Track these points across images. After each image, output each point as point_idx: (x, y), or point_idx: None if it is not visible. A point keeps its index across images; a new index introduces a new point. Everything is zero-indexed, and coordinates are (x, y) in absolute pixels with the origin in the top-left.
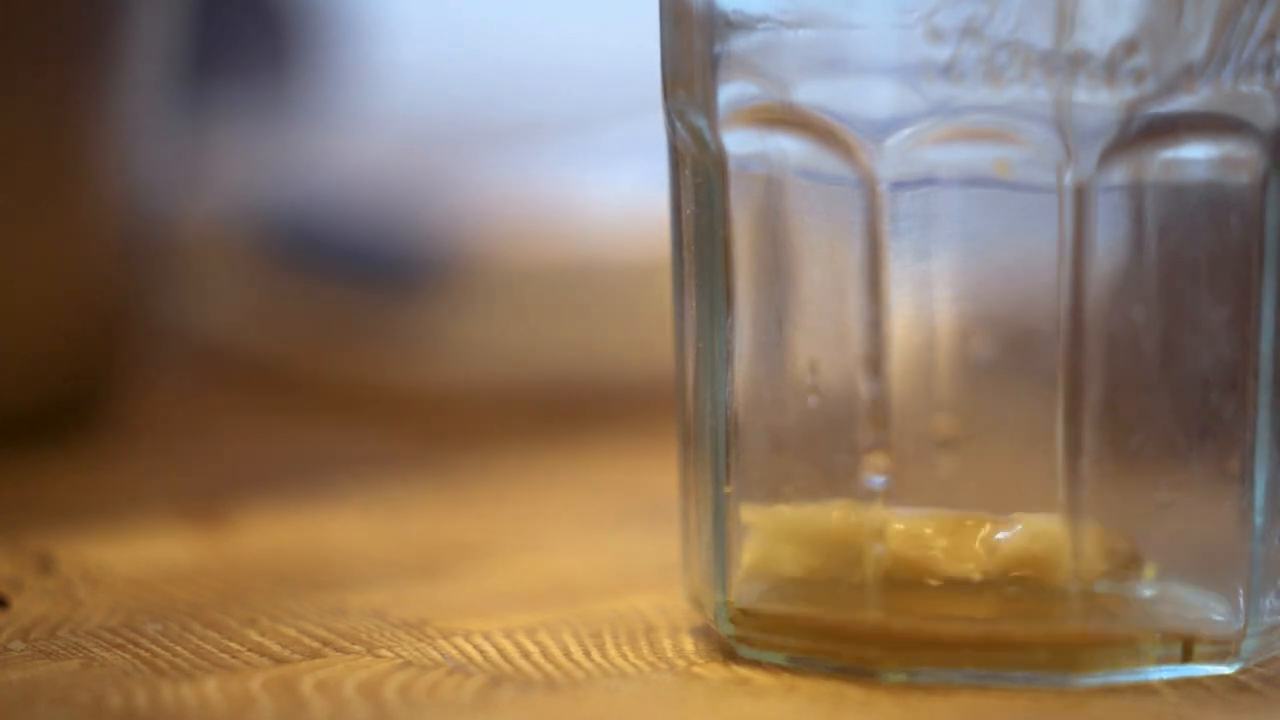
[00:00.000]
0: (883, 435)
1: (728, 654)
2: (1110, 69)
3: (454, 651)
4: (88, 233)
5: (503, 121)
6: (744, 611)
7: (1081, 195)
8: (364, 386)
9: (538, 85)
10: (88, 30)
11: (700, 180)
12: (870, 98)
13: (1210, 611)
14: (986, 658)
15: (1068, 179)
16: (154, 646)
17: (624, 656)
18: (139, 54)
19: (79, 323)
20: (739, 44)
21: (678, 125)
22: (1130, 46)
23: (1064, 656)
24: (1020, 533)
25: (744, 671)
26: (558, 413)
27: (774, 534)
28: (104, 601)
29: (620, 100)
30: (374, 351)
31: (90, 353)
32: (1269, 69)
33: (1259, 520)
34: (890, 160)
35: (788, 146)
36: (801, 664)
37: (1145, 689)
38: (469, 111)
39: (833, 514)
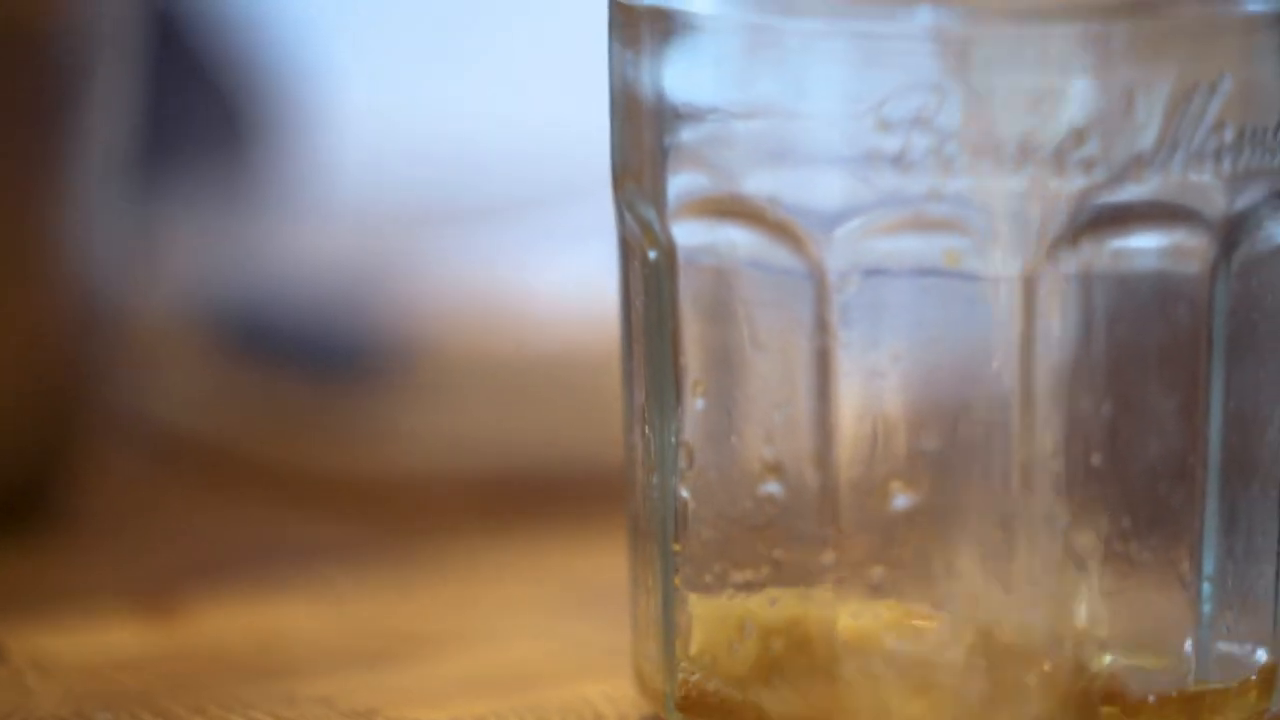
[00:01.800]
0: (833, 527)
1: None
2: (1059, 158)
3: None
4: (40, 319)
5: (454, 209)
6: (693, 701)
7: (1031, 285)
8: (316, 475)
9: (489, 172)
10: (42, 118)
11: (649, 272)
12: (819, 188)
13: (1160, 698)
14: None
15: (1017, 269)
16: None
17: None
18: (93, 141)
19: (32, 410)
20: (688, 135)
21: (627, 217)
22: (1080, 136)
23: None
24: (970, 623)
25: None
26: (509, 502)
27: (722, 624)
28: (55, 690)
29: (572, 187)
30: (327, 440)
31: (43, 440)
32: (1218, 158)
33: (1207, 609)
34: (839, 251)
35: (737, 238)
36: None
37: None
38: (421, 199)
39: (782, 605)
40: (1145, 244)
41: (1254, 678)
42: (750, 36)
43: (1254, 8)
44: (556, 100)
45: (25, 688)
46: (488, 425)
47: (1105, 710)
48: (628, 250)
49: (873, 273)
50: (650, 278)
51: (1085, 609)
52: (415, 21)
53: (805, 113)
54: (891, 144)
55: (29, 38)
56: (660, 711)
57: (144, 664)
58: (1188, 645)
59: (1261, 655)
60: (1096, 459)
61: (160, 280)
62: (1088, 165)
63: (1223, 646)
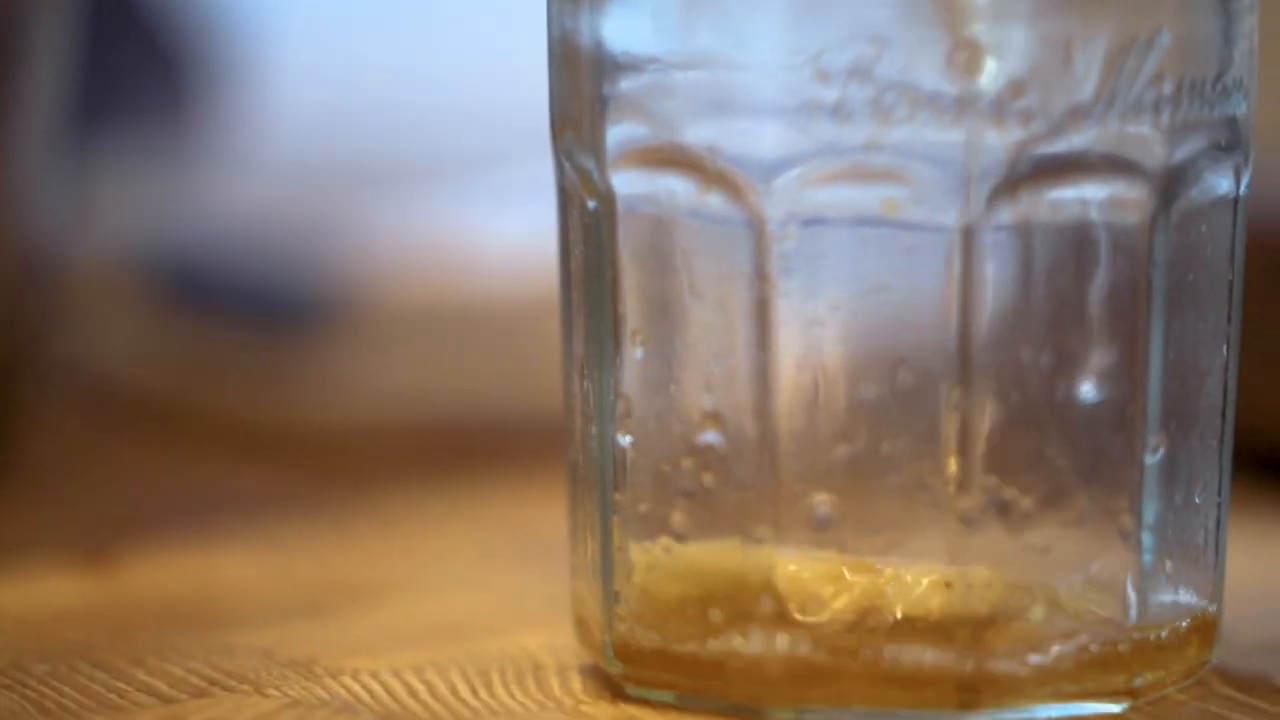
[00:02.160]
0: (771, 476)
1: (616, 692)
2: (998, 109)
3: (342, 691)
4: None
5: (394, 163)
6: (632, 650)
7: (970, 235)
8: (254, 426)
9: (429, 127)
10: None
11: (589, 221)
12: (758, 138)
13: (1099, 649)
14: (874, 696)
15: (956, 219)
16: (42, 687)
17: (511, 695)
18: (34, 97)
19: None
20: (627, 85)
21: (566, 166)
22: (1018, 88)
23: (952, 696)
24: (910, 573)
25: (632, 710)
26: (448, 452)
27: (662, 572)
28: None
29: (514, 141)
30: (266, 392)
31: None
32: (1156, 110)
33: (1147, 559)
34: (778, 201)
35: (676, 187)
36: (689, 702)
37: None
38: (361, 153)
39: (721, 553)
40: (1084, 195)
41: (1193, 628)
42: None
43: None
44: (497, 59)
45: None
46: (426, 376)
47: (1044, 660)
48: (566, 200)
49: (812, 222)
50: (590, 227)
51: (1025, 559)
52: None
53: (744, 63)
54: (830, 94)
55: None
56: (600, 661)
57: (83, 616)
58: (1128, 595)
59: (1201, 606)
60: (1036, 409)
61: (101, 234)
62: (1026, 117)
63: (1163, 597)
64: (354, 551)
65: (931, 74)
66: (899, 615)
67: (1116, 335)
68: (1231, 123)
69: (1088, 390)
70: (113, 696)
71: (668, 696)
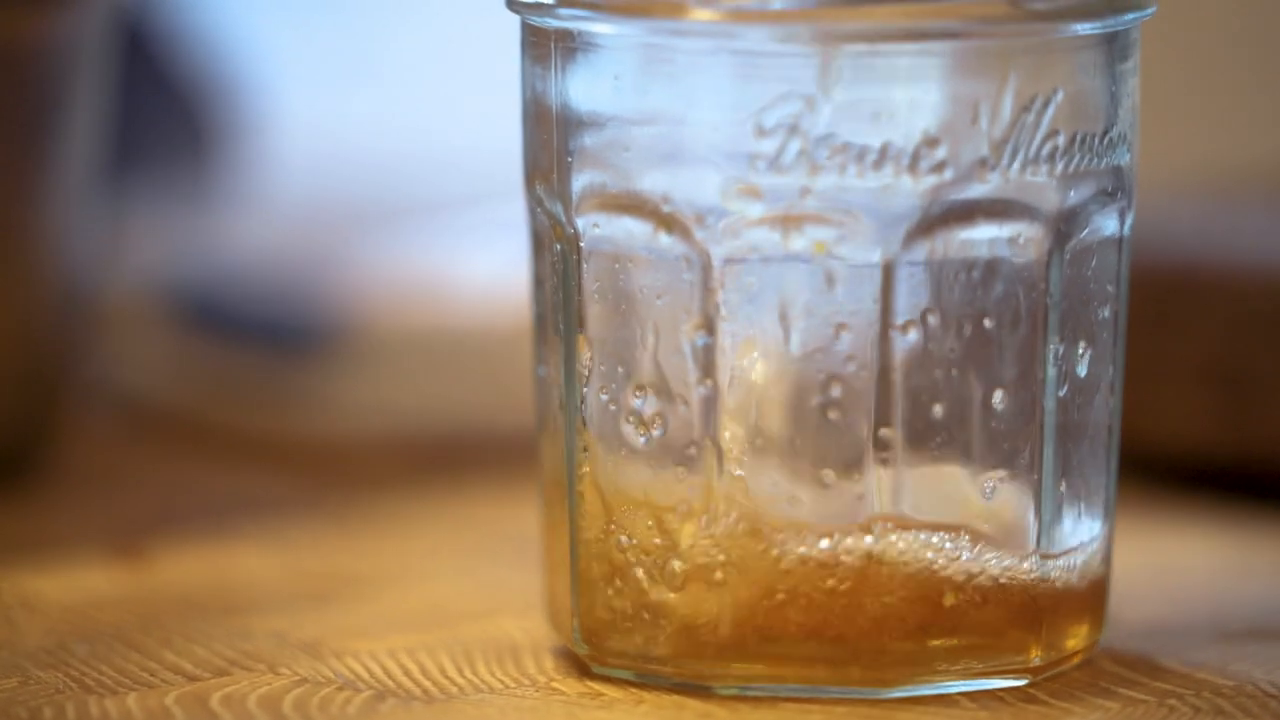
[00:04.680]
0: (715, 475)
1: (583, 671)
2: (914, 160)
3: (344, 669)
4: (29, 303)
5: (385, 206)
6: (596, 633)
7: (889, 270)
8: (266, 438)
9: (415, 174)
10: (26, 126)
11: (557, 259)
12: (705, 186)
13: (1003, 631)
14: (808, 675)
15: (876, 256)
16: (83, 666)
17: (492, 673)
18: (72, 145)
19: (19, 383)
20: (591, 140)
21: (538, 211)
22: (931, 141)
23: (873, 674)
24: (833, 562)
25: (597, 686)
26: (435, 461)
27: (615, 563)
28: (39, 626)
29: (489, 186)
30: (275, 407)
31: (29, 409)
32: (1051, 161)
33: (1045, 550)
34: (722, 240)
35: (633, 228)
36: (646, 679)
37: (947, 700)
38: (356, 197)
39: (663, 539)
40: (988, 235)
41: (1085, 612)
42: (645, 54)
43: (1082, 30)
44: (473, 114)
45: (14, 624)
46: (414, 394)
47: (956, 640)
48: (538, 241)
49: (751, 259)
50: (558, 264)
51: (938, 551)
52: (348, 47)
53: (693, 120)
54: (768, 147)
55: (15, 56)
56: (568, 643)
57: (118, 603)
58: (1028, 582)
59: (1092, 593)
60: (947, 421)
61: (130, 268)
62: (939, 167)
63: (1058, 584)
64: (353, 547)
65: (855, 129)
66: (824, 594)
67: (1017, 356)
68: (1117, 172)
69: (993, 402)
70: (144, 674)
71: (628, 674)
